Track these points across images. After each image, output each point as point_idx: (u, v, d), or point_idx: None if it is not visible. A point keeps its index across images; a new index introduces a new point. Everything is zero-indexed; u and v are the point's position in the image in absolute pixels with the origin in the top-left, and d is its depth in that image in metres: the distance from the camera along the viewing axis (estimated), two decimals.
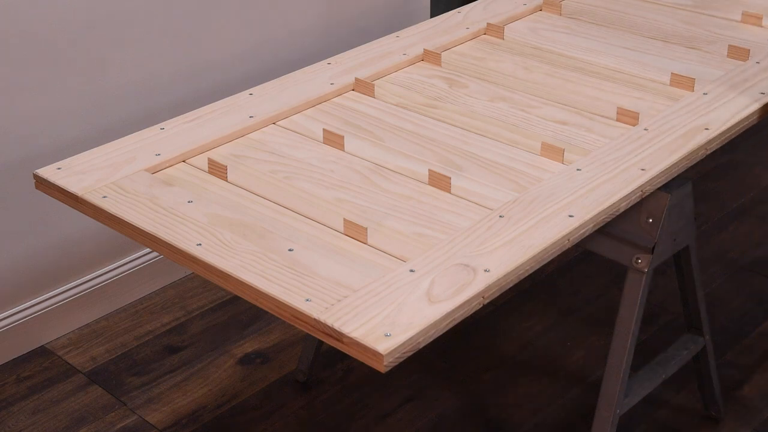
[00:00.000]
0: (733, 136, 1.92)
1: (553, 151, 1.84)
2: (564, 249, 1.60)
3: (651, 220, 1.88)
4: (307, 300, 1.44)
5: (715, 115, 1.94)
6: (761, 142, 3.39)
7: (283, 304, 1.45)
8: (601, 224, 1.68)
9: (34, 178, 1.82)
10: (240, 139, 1.93)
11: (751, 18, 2.37)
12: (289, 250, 1.57)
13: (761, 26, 2.36)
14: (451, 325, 1.43)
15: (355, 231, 1.60)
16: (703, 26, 2.39)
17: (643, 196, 1.77)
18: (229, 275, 1.51)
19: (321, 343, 2.32)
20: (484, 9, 2.48)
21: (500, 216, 1.64)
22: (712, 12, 2.45)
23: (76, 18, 2.33)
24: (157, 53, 2.51)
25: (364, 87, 2.10)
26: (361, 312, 1.41)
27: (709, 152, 1.88)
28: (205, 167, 1.83)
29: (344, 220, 1.61)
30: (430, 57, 2.24)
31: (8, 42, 2.23)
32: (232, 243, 1.58)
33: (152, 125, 1.96)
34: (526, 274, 1.55)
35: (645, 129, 1.90)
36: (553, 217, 1.63)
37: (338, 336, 1.39)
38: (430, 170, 1.77)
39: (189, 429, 2.28)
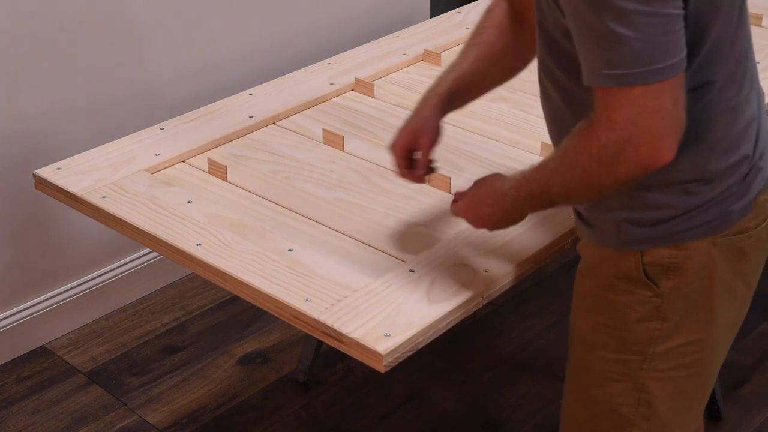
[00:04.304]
0: None
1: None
2: (564, 249, 1.60)
3: None
4: (307, 300, 1.44)
5: None
6: None
7: (283, 304, 1.45)
8: None
9: (34, 178, 1.82)
10: (240, 139, 1.93)
11: (751, 18, 2.36)
12: (289, 250, 1.57)
13: (761, 26, 2.36)
14: (450, 325, 1.43)
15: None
16: None
17: None
18: (229, 275, 1.51)
19: (321, 343, 2.32)
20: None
21: None
22: None
23: (77, 18, 2.32)
24: (157, 53, 2.51)
25: (364, 87, 2.10)
26: (360, 312, 1.41)
27: None
28: (205, 167, 1.82)
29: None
30: (430, 57, 2.24)
31: (9, 42, 2.23)
32: (232, 243, 1.58)
33: (152, 125, 1.97)
34: (526, 274, 1.55)
35: None
36: (552, 217, 1.63)
37: (338, 336, 1.39)
38: None
39: (189, 429, 2.28)
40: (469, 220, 1.45)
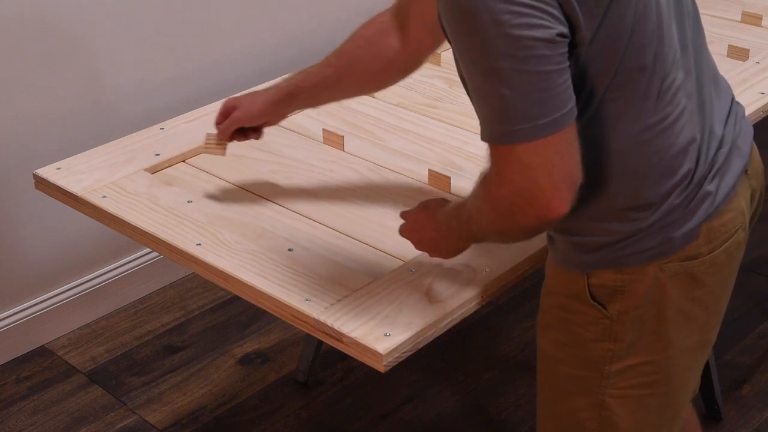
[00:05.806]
0: None
1: None
2: None
3: None
4: (307, 300, 1.44)
5: None
6: (761, 143, 3.39)
7: (283, 304, 1.45)
8: None
9: (34, 178, 1.82)
10: None
11: (751, 18, 2.37)
12: (289, 250, 1.57)
13: (761, 26, 2.36)
14: (450, 325, 1.43)
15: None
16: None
17: None
18: (228, 275, 1.51)
19: (321, 343, 2.32)
20: None
21: None
22: (712, 12, 2.45)
23: (77, 18, 2.32)
24: (157, 53, 2.51)
25: None
26: (360, 312, 1.41)
27: None
28: (205, 167, 1.82)
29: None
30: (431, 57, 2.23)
31: (8, 42, 2.23)
32: (231, 243, 1.58)
33: (152, 125, 1.96)
34: (526, 274, 1.55)
35: None
36: None
37: (338, 336, 1.39)
38: (430, 170, 1.77)
39: (189, 429, 2.28)
40: (413, 242, 1.45)
